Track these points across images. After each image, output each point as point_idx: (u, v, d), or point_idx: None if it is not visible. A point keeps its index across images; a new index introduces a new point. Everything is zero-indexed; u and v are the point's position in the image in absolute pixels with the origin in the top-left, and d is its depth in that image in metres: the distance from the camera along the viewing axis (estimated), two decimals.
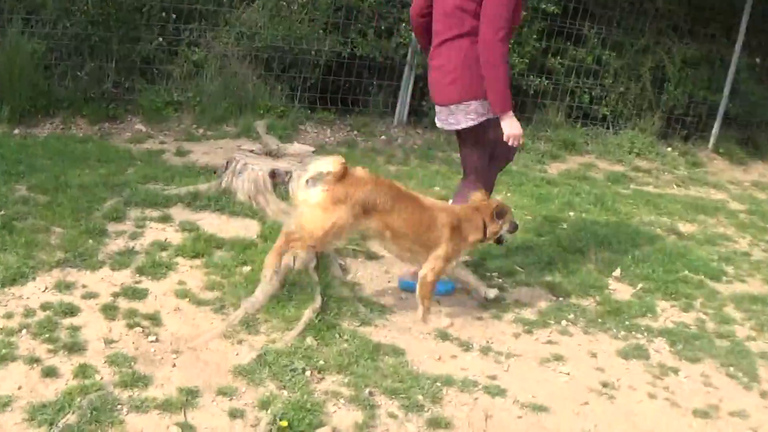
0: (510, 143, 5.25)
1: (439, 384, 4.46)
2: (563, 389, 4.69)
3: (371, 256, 5.88)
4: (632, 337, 5.46)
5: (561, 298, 5.80)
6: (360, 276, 5.65)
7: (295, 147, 7.05)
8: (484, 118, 5.25)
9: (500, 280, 5.91)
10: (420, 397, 4.30)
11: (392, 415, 4.13)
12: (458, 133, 5.48)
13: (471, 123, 5.27)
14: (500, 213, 5.24)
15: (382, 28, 9.30)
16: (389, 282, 5.60)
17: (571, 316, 5.56)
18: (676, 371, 5.14)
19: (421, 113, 9.35)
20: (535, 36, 9.71)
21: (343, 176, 4.78)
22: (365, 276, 5.66)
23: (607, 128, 10.67)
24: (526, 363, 4.89)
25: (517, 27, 5.95)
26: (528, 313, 5.50)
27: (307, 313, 4.83)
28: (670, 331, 5.63)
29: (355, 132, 9.12)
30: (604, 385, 4.81)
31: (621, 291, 6.13)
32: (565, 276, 6.13)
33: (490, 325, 5.27)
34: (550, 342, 5.19)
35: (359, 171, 4.94)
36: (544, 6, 9.54)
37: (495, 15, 5.07)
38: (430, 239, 5.05)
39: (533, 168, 8.78)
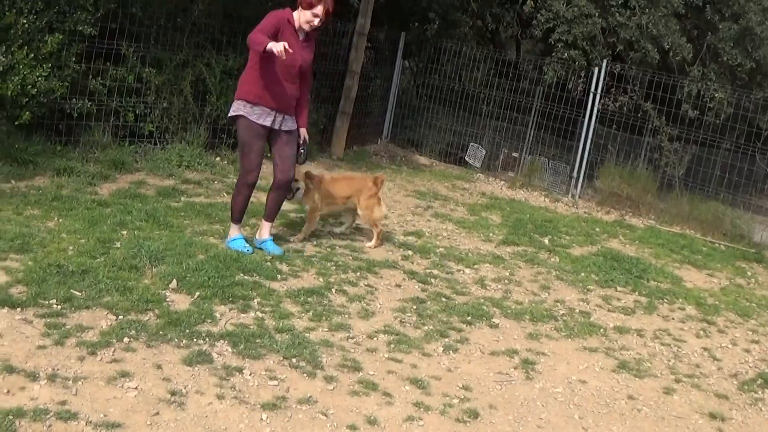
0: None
1: (11, 417, 4.44)
2: (133, 404, 4.83)
3: None
4: (195, 344, 5.70)
5: (121, 317, 5.89)
6: None
7: None
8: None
9: (58, 307, 5.86)
10: None
11: None
12: None
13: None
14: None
15: None
16: None
17: (133, 332, 5.68)
18: (240, 370, 5.47)
19: None
20: (74, 59, 9.52)
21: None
22: None
23: (155, 144, 10.74)
24: (94, 384, 4.96)
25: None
26: (90, 336, 5.55)
27: None
28: (231, 333, 5.96)
29: None
30: (173, 393, 5.02)
31: (179, 301, 6.35)
32: (123, 294, 6.22)
33: (54, 352, 5.25)
34: (114, 360, 5.29)
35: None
36: (81, 28, 9.42)
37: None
38: None
39: (84, 191, 8.66)
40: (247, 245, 7.78)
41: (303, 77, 7.78)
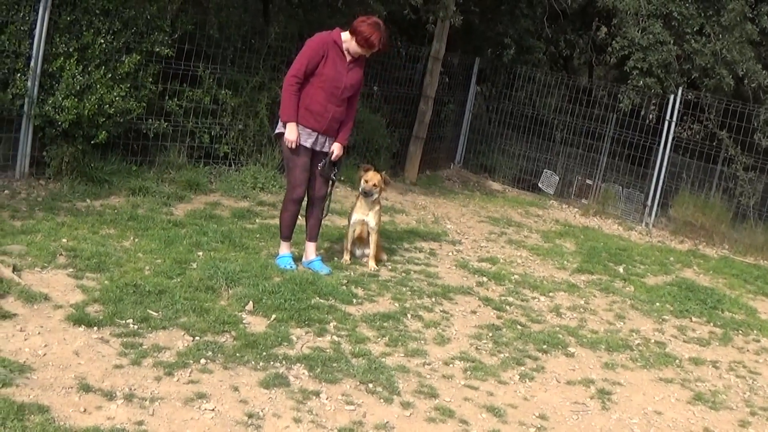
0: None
1: None
2: (210, 425, 4.80)
3: (4, 315, 5.68)
4: (271, 367, 5.68)
5: (198, 338, 5.89)
6: None
7: None
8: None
9: (135, 327, 5.88)
10: None
11: None
12: None
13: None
14: None
15: None
16: (25, 339, 5.42)
17: (210, 353, 5.67)
18: (317, 394, 5.43)
19: (43, 164, 9.04)
20: (150, 79, 9.64)
21: None
22: None
23: (229, 165, 10.83)
24: (170, 405, 4.95)
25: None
26: (167, 356, 5.55)
27: None
28: (307, 356, 5.92)
29: None
30: (250, 416, 4.98)
31: (255, 324, 6.34)
32: (199, 315, 6.23)
33: (131, 372, 5.26)
34: (191, 381, 5.28)
35: None
36: (158, 49, 9.55)
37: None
38: None
39: (159, 211, 8.75)
40: (293, 263, 7.78)
41: (350, 99, 7.76)
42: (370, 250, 8.36)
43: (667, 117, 13.54)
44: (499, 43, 15.49)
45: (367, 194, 8.25)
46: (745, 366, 7.60)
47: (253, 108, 10.99)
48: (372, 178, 8.25)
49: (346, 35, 7.54)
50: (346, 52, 7.56)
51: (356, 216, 8.32)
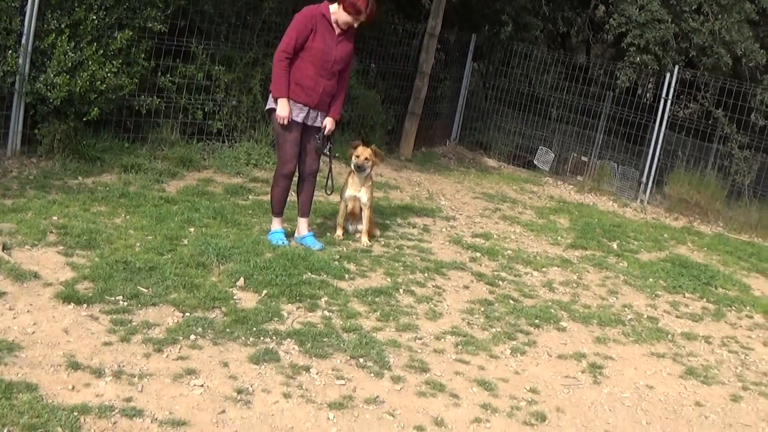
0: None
1: (76, 414, 4.41)
2: (199, 402, 4.81)
3: None
4: (261, 342, 5.68)
5: (188, 314, 5.88)
6: None
7: None
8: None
9: (125, 304, 5.87)
10: (59, 428, 4.24)
11: None
12: None
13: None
14: None
15: None
16: (14, 318, 5.40)
17: (200, 329, 5.67)
18: (307, 369, 5.44)
19: (35, 142, 9.00)
20: (143, 56, 9.56)
21: None
22: None
23: (223, 142, 10.79)
24: (159, 381, 4.95)
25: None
26: (156, 333, 5.55)
27: None
28: (298, 332, 5.93)
29: None
30: (239, 391, 4.99)
31: (246, 299, 6.34)
32: (190, 291, 6.22)
33: (120, 349, 5.25)
34: (181, 358, 5.27)
35: None
36: (150, 25, 9.47)
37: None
38: None
39: (151, 188, 8.72)
40: (284, 239, 7.76)
41: (341, 72, 7.72)
42: (363, 226, 8.35)
43: (663, 95, 13.48)
44: (497, 20, 15.42)
45: (360, 169, 8.22)
46: (738, 341, 7.61)
47: (247, 84, 10.92)
48: (362, 152, 8.22)
49: (334, 7, 7.51)
50: (335, 25, 7.53)
51: (348, 192, 8.30)
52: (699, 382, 6.51)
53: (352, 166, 8.26)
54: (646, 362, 6.73)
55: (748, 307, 8.63)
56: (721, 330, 7.86)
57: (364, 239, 8.30)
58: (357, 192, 8.27)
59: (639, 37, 13.51)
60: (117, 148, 9.49)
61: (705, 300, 8.67)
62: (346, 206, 8.33)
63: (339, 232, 8.35)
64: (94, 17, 8.87)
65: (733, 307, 8.57)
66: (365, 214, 8.30)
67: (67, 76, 8.66)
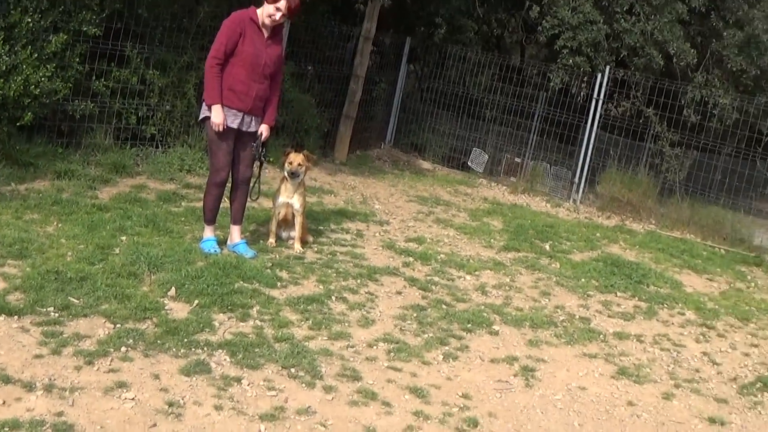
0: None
1: (6, 429, 4.40)
2: (130, 415, 4.79)
3: None
4: (193, 354, 5.67)
5: (119, 325, 5.86)
6: None
7: None
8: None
9: (56, 315, 5.83)
10: None
11: None
12: None
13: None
14: None
15: None
16: None
17: (131, 341, 5.65)
18: (239, 380, 5.44)
19: None
20: (77, 59, 9.50)
21: None
22: None
23: (156, 147, 10.71)
24: (90, 395, 4.93)
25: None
26: (87, 345, 5.52)
27: None
28: (229, 342, 5.93)
29: None
30: (170, 404, 4.98)
31: (178, 310, 6.33)
32: (121, 301, 6.20)
33: (51, 362, 5.22)
34: (112, 370, 5.25)
35: None
36: (85, 29, 9.39)
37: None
38: None
39: (84, 195, 8.65)
40: (217, 247, 7.76)
41: (272, 76, 7.73)
42: (296, 233, 8.36)
43: (594, 95, 13.69)
44: (431, 22, 15.47)
45: (293, 175, 8.24)
46: (670, 339, 7.76)
47: (181, 88, 10.85)
48: (295, 158, 8.24)
49: (260, 10, 7.53)
50: (263, 28, 7.55)
51: (281, 199, 8.32)
52: (631, 382, 6.63)
53: (286, 173, 8.27)
54: (578, 363, 6.83)
55: (679, 304, 8.80)
56: (653, 328, 8.00)
57: (297, 246, 8.32)
58: (289, 198, 8.29)
59: (572, 39, 13.67)
60: (50, 153, 9.38)
61: (637, 298, 8.82)
62: (279, 213, 8.35)
63: (272, 239, 8.36)
64: (30, 20, 8.79)
65: (665, 305, 8.73)
66: (298, 220, 8.32)
67: (1, 80, 8.57)
